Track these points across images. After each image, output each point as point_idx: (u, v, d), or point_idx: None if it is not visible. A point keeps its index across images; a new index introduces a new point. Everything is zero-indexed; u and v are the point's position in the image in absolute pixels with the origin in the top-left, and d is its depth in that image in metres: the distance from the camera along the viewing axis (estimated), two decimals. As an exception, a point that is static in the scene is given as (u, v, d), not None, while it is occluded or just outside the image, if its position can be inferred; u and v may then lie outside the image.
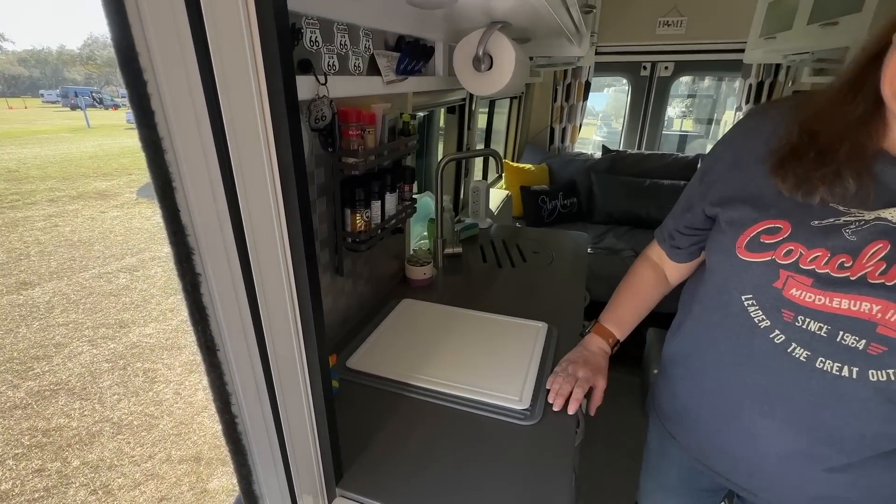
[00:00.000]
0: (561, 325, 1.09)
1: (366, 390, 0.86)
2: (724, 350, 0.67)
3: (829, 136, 0.54)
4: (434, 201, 1.64)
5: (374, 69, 0.91)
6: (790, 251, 0.57)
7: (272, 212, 0.47)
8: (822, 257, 0.55)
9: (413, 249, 1.39)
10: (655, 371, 2.02)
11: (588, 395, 0.83)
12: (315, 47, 0.71)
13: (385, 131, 0.96)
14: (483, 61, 1.11)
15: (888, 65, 0.49)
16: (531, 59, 2.25)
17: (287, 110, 0.44)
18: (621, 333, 0.88)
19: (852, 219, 0.53)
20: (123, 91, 0.43)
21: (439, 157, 2.16)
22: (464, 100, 1.86)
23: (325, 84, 0.69)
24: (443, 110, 1.94)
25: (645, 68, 3.36)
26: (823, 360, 0.56)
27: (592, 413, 0.82)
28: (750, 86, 3.03)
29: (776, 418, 0.62)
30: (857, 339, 0.54)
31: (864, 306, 0.52)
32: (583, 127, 3.55)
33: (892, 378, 0.53)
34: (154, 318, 3.57)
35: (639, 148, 3.57)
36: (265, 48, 0.42)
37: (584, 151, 3.54)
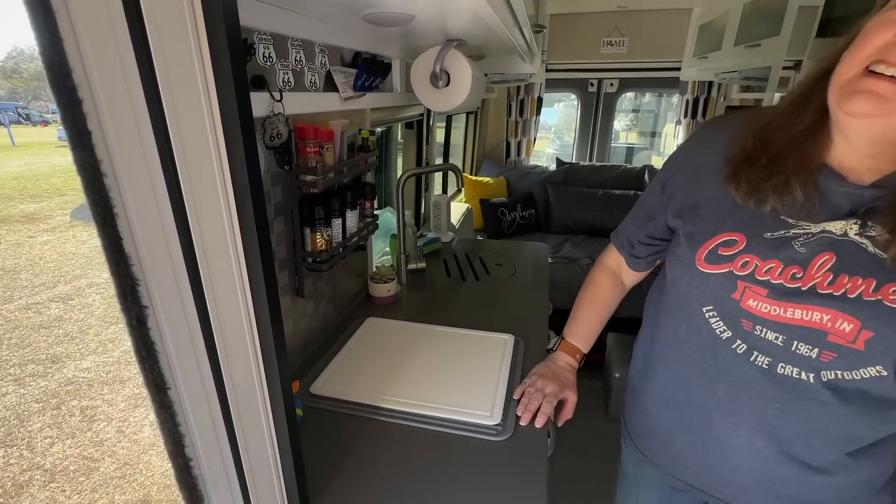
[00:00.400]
0: (527, 337, 1.09)
1: (332, 416, 0.82)
2: (691, 362, 0.68)
3: (779, 145, 0.57)
4: (395, 217, 1.62)
5: (330, 85, 0.89)
6: (746, 262, 0.59)
7: (227, 236, 0.44)
8: (775, 268, 0.57)
9: (376, 266, 1.36)
10: (617, 375, 2.08)
11: (558, 408, 0.83)
12: (269, 63, 0.69)
13: (344, 148, 0.94)
14: (440, 78, 1.12)
15: (834, 76, 0.52)
16: (486, 75, 2.31)
17: (241, 129, 0.42)
18: (586, 347, 0.89)
19: (801, 231, 0.56)
20: (54, 107, 0.39)
21: (398, 173, 2.15)
22: (422, 115, 1.87)
23: (280, 101, 0.67)
24: (401, 125, 1.94)
25: (592, 85, 3.53)
26: (784, 365, 0.58)
27: (559, 424, 0.83)
28: (687, 101, 3.26)
29: (746, 426, 0.63)
30: (809, 347, 0.56)
31: (815, 316, 0.55)
32: (537, 140, 3.66)
33: (845, 382, 0.56)
34: (92, 351, 3.29)
35: (590, 160, 3.72)
36: (216, 63, 0.40)
37: (539, 164, 3.65)
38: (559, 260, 2.73)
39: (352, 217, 1.01)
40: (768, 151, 0.58)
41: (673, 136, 3.54)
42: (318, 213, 0.87)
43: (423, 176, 2.07)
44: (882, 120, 0.48)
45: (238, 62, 0.41)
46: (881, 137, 0.51)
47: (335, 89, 0.90)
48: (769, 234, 0.58)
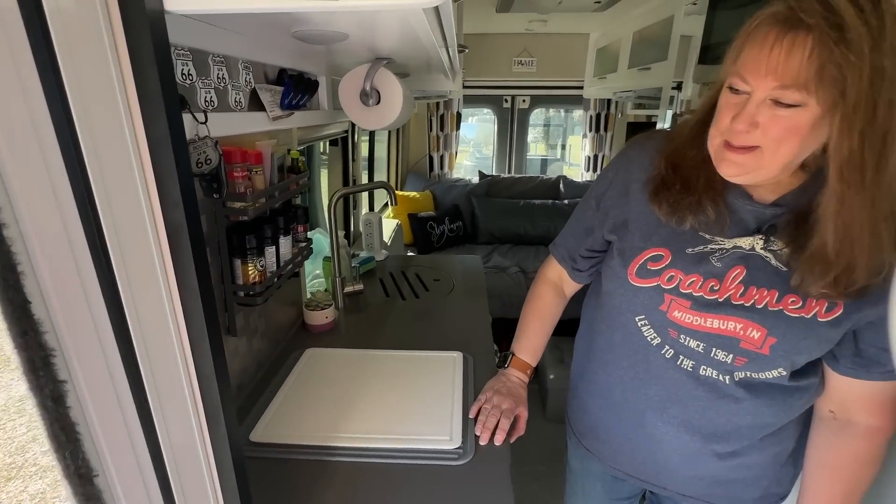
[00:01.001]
0: (475, 352, 1.10)
1: (279, 465, 0.75)
2: (626, 366, 0.74)
3: (687, 169, 0.64)
4: (326, 238, 1.55)
5: (255, 104, 0.83)
6: (672, 277, 0.65)
7: (161, 285, 0.38)
8: (696, 282, 0.63)
9: (310, 293, 1.28)
10: (552, 376, 2.17)
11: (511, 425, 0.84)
12: (188, 81, 0.62)
13: (274, 170, 0.88)
14: (371, 96, 1.10)
15: (710, 127, 0.59)
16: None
17: (175, 158, 0.37)
18: (535, 361, 0.92)
19: (717, 247, 0.63)
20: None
21: (323, 192, 2.07)
22: (346, 132, 1.82)
23: (205, 122, 0.60)
24: (325, 143, 1.87)
25: (506, 101, 3.72)
26: (705, 368, 0.65)
27: (511, 440, 0.83)
28: (591, 117, 3.56)
29: (675, 424, 0.70)
30: (725, 353, 0.63)
31: (730, 325, 0.62)
32: (458, 154, 3.76)
33: (755, 382, 0.64)
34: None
35: (509, 172, 3.90)
36: (140, 81, 0.34)
37: (462, 177, 3.74)
38: (489, 270, 2.80)
39: (285, 244, 0.94)
40: (680, 175, 0.63)
41: (580, 148, 3.84)
42: (249, 243, 0.80)
43: (352, 194, 2.01)
44: (750, 175, 0.56)
45: (168, 79, 0.36)
46: (758, 182, 0.57)
47: (261, 108, 0.84)
48: (690, 250, 0.64)
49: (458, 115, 3.55)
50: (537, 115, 4.10)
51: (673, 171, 0.64)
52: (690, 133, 0.65)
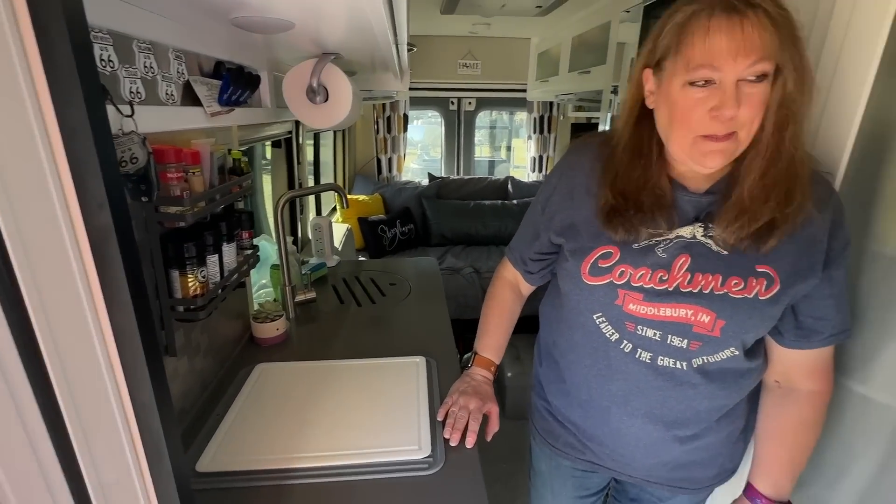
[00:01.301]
0: (437, 355, 1.07)
1: (231, 495, 0.68)
2: (588, 364, 0.75)
3: (634, 191, 0.65)
4: (272, 245, 1.46)
5: (190, 98, 0.75)
6: (623, 272, 0.67)
7: (82, 300, 0.32)
8: (646, 274, 0.66)
9: (258, 304, 1.20)
10: (509, 374, 2.19)
11: (484, 423, 0.82)
12: (110, 68, 0.54)
13: (214, 171, 0.80)
14: (318, 93, 1.04)
15: (671, 144, 0.61)
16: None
17: (97, 151, 0.31)
18: (498, 358, 0.91)
19: (661, 238, 0.65)
20: None
21: (266, 196, 1.95)
22: (290, 132, 1.73)
23: (131, 116, 0.53)
24: (267, 144, 1.77)
25: (452, 103, 3.74)
26: (663, 358, 0.68)
27: (489, 438, 0.82)
28: (534, 119, 3.67)
29: (638, 415, 0.72)
30: (680, 339, 0.66)
31: (681, 311, 0.65)
32: (406, 156, 3.72)
33: (709, 364, 0.67)
34: None
35: (458, 173, 3.92)
36: (49, 61, 0.28)
37: (412, 179, 3.70)
38: (443, 271, 2.78)
39: (229, 251, 0.86)
40: (630, 200, 0.65)
41: (526, 150, 3.94)
42: (188, 252, 0.72)
43: (298, 198, 1.92)
44: (726, 160, 0.59)
45: (83, 55, 0.30)
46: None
47: (197, 103, 0.76)
48: (636, 245, 0.66)
49: (406, 117, 3.51)
50: (483, 118, 4.16)
51: (623, 199, 0.66)
52: (628, 155, 0.67)
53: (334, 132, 3.03)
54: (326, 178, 3.16)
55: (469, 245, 3.24)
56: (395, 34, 0.93)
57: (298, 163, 1.88)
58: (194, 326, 0.86)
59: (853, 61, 0.70)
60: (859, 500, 0.75)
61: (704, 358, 0.67)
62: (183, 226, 0.70)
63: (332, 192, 2.86)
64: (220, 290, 0.81)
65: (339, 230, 2.56)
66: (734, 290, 0.63)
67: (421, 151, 4.95)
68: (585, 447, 0.81)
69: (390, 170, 3.60)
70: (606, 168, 0.68)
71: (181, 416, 0.82)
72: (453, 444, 0.78)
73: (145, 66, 0.62)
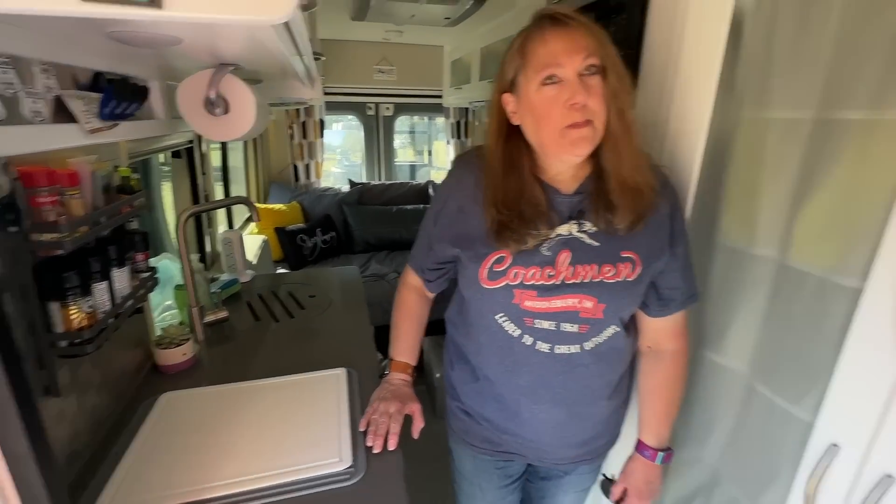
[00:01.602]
0: (359, 365, 1.08)
1: (136, 538, 0.64)
2: (496, 362, 0.81)
3: (514, 201, 0.72)
4: (176, 264, 1.36)
5: (65, 115, 0.69)
6: (517, 273, 0.74)
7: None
8: (536, 273, 0.73)
9: (161, 329, 1.11)
10: (437, 375, 2.24)
11: (409, 424, 0.85)
12: (-44, 88, 0.48)
13: (98, 192, 0.74)
14: (218, 105, 1.00)
15: (538, 137, 0.69)
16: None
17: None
18: (414, 359, 0.94)
19: (544, 238, 0.73)
20: None
21: (166, 212, 1.81)
22: (191, 142, 1.62)
23: (-13, 140, 0.48)
24: (165, 155, 1.64)
25: (370, 108, 3.72)
26: (559, 346, 0.76)
27: (415, 435, 0.84)
28: (451, 124, 3.77)
29: (544, 403, 0.80)
30: (572, 325, 0.75)
31: (569, 301, 0.73)
32: (325, 162, 3.63)
33: (597, 345, 0.77)
34: None
35: (379, 179, 3.91)
36: None
37: (331, 186, 3.62)
38: (368, 278, 2.77)
39: (121, 276, 0.80)
40: (514, 212, 0.72)
41: (445, 154, 4.03)
42: (69, 281, 0.66)
43: (204, 212, 1.80)
44: (591, 146, 0.68)
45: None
46: (589, 152, 0.70)
47: (71, 119, 0.70)
48: (525, 248, 0.73)
49: (321, 122, 3.43)
50: (402, 122, 4.19)
51: (507, 210, 0.72)
52: (501, 169, 0.74)
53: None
54: (237, 185, 2.99)
55: (393, 250, 3.25)
56: (298, 50, 0.93)
57: (203, 173, 1.77)
58: (82, 361, 0.79)
59: (696, 84, 0.83)
60: (723, 452, 0.89)
61: (593, 340, 0.76)
62: (62, 253, 0.64)
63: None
64: (111, 320, 0.75)
65: (254, 242, 2.43)
66: (608, 276, 0.73)
67: (341, 156, 4.85)
68: (502, 440, 0.88)
69: (308, 176, 3.49)
70: (486, 184, 0.75)
71: (71, 462, 0.75)
72: (376, 450, 0.79)
73: (3, 83, 0.56)
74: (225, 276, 1.54)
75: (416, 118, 4.40)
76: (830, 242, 0.67)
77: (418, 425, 0.85)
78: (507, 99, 0.71)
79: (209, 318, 1.24)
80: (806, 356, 0.71)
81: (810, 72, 0.67)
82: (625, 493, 0.90)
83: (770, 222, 0.75)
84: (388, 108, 3.75)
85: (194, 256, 1.67)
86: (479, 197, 0.75)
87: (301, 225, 2.96)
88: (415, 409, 0.86)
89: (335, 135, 4.72)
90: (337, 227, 3.15)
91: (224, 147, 2.52)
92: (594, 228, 0.73)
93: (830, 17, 0.64)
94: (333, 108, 3.62)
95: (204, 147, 1.72)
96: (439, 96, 3.65)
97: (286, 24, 0.66)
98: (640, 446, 0.87)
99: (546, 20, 0.66)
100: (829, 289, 0.66)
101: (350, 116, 3.84)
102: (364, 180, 3.74)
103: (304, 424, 0.87)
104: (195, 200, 1.67)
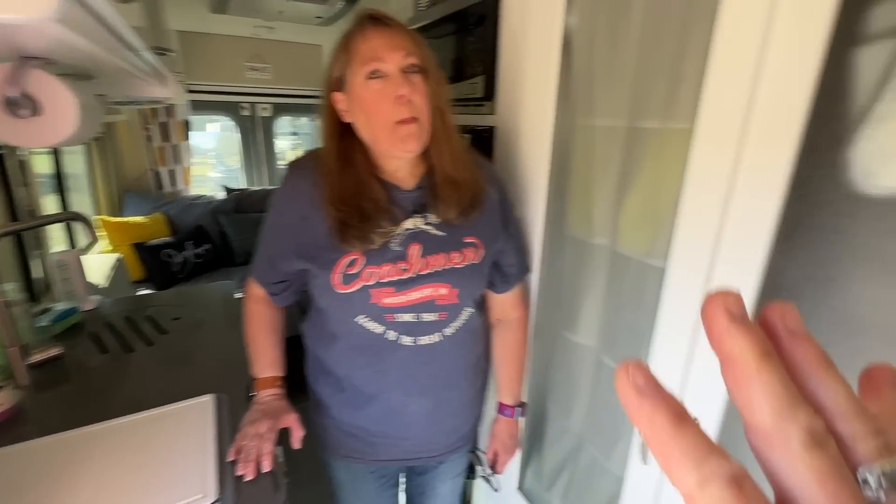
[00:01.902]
0: (230, 389, 0.99)
1: None
2: (364, 364, 0.81)
3: (353, 198, 0.73)
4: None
5: None
6: (371, 273, 0.75)
7: None
8: (390, 270, 0.75)
9: (-38, 378, 0.90)
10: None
11: (286, 438, 0.81)
12: None
13: None
14: (24, 106, 0.84)
15: (371, 131, 0.71)
16: (102, 95, 1.87)
17: None
18: (280, 370, 0.89)
19: (391, 234, 0.75)
20: None
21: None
22: (2, 147, 1.34)
23: None
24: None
25: (244, 108, 3.44)
26: (421, 338, 0.79)
27: (296, 445, 0.80)
28: (337, 126, 3.66)
29: (414, 395, 0.82)
30: (431, 314, 0.78)
31: (426, 291, 0.77)
32: (195, 167, 3.28)
33: (456, 330, 0.81)
34: None
35: (260, 184, 3.64)
36: None
37: (204, 193, 3.28)
38: (252, 292, 2.57)
39: None
40: (352, 211, 0.72)
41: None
42: None
43: (22, 232, 1.50)
44: (421, 143, 0.72)
45: None
46: (420, 149, 0.73)
47: None
48: (374, 246, 0.74)
49: (186, 123, 3.08)
50: (284, 124, 3.96)
51: (346, 207, 0.72)
52: (337, 166, 0.74)
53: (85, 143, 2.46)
54: (80, 195, 2.55)
55: (281, 259, 3.06)
56: (124, 42, 0.82)
57: (26, 184, 1.48)
58: None
59: (539, 94, 0.92)
60: (584, 420, 1.01)
61: (452, 325, 0.80)
62: None
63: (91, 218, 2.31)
64: None
65: (105, 262, 2.10)
66: (456, 262, 0.78)
67: (216, 161, 4.42)
68: (375, 447, 0.88)
69: (174, 184, 3.11)
70: (323, 183, 0.74)
71: None
72: (249, 477, 0.74)
73: None
74: (60, 306, 1.30)
75: (304, 119, 4.19)
76: (643, 231, 0.79)
77: (297, 435, 0.81)
78: (338, 97, 0.73)
79: (36, 357, 1.04)
80: (634, 328, 0.83)
81: (620, 86, 0.78)
82: (495, 455, 0.99)
83: (602, 215, 0.87)
84: (265, 109, 3.51)
85: (13, 286, 1.39)
86: (318, 201, 0.74)
87: (167, 238, 2.64)
88: (290, 419, 0.82)
89: (207, 137, 4.29)
90: (213, 238, 2.87)
91: (56, 152, 2.13)
92: (438, 220, 0.77)
93: (629, 40, 0.75)
94: (201, 107, 3.27)
95: (22, 153, 1.44)
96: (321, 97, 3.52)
97: (98, 16, 0.57)
98: (501, 408, 0.97)
99: (367, 20, 0.69)
100: (645, 270, 0.79)
101: (224, 117, 3.52)
102: (243, 186, 3.46)
103: (162, 464, 0.77)
104: (13, 218, 1.38)
